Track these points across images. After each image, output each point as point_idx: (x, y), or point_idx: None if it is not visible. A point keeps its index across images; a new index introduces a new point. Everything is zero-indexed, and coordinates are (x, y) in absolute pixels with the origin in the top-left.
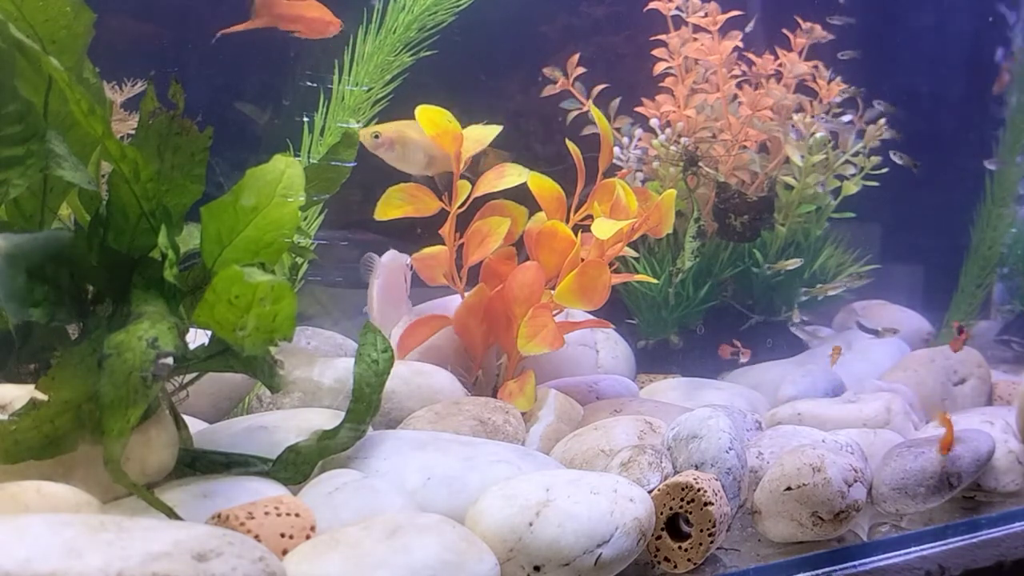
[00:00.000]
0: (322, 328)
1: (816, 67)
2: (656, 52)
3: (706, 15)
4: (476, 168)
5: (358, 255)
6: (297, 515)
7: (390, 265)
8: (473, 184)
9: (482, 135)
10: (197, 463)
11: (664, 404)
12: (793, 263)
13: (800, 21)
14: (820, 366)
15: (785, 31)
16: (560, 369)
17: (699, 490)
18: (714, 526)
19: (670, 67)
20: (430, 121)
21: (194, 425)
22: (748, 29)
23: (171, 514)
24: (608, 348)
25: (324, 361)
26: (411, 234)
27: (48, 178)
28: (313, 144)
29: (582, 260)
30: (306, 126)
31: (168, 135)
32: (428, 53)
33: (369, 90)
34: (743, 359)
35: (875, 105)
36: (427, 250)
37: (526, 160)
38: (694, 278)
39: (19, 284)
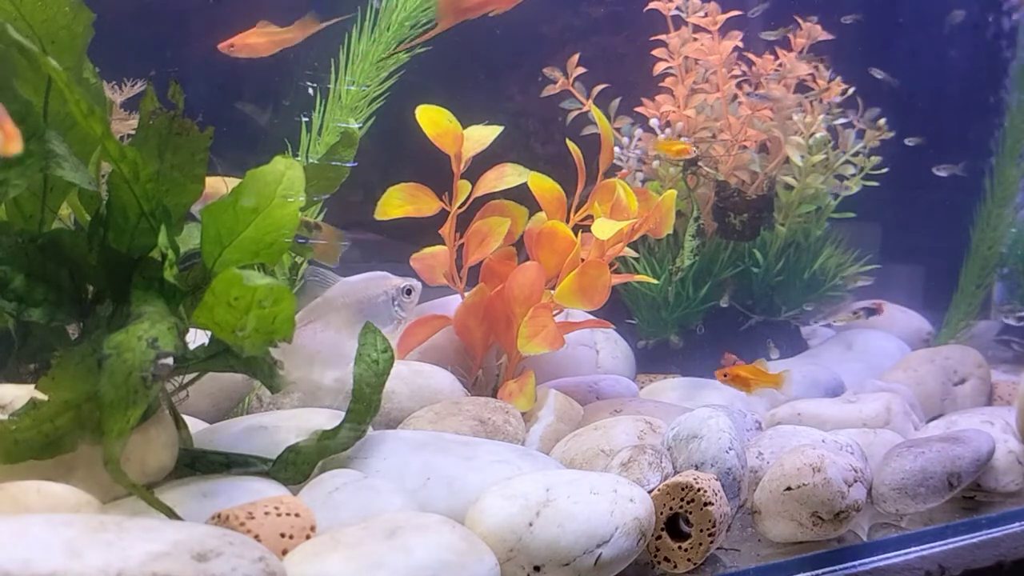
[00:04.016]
0: None
1: (816, 67)
2: (656, 52)
3: (706, 15)
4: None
5: (358, 255)
6: (297, 515)
7: (355, 287)
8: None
9: (482, 135)
10: (197, 463)
11: (664, 404)
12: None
13: (800, 21)
14: (820, 366)
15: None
16: (560, 369)
17: (699, 490)
18: (714, 526)
19: (670, 67)
20: (431, 121)
21: (194, 425)
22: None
23: (171, 514)
24: (608, 348)
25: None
26: (410, 234)
27: (48, 178)
28: (311, 143)
29: (582, 260)
30: (304, 125)
31: (168, 135)
32: (423, 50)
33: (367, 88)
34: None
35: (874, 74)
36: (427, 250)
37: (526, 160)
38: (694, 278)
39: None
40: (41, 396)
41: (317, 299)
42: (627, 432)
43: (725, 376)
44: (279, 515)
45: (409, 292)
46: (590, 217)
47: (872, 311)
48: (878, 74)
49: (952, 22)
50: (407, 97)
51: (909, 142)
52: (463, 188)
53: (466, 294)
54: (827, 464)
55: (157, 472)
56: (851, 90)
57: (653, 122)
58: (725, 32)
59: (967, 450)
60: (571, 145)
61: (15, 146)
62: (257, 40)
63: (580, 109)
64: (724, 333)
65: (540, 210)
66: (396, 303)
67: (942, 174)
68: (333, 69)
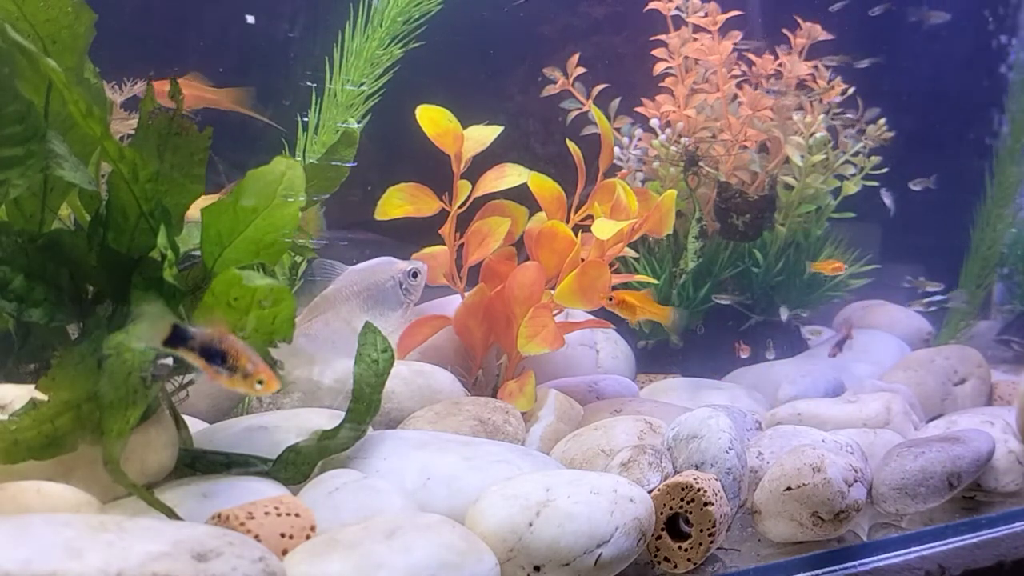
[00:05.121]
0: None
1: (816, 67)
2: (656, 52)
3: (706, 15)
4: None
5: (358, 255)
6: (297, 515)
7: (362, 274)
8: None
9: (482, 135)
10: (197, 463)
11: (664, 404)
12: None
13: (800, 21)
14: (820, 366)
15: (785, 31)
16: (560, 369)
17: (699, 490)
18: (714, 526)
19: (670, 67)
20: (431, 121)
21: (194, 425)
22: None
23: (171, 514)
24: (608, 348)
25: (324, 361)
26: (411, 234)
27: (48, 178)
28: (308, 142)
29: (582, 260)
30: (300, 125)
31: (167, 135)
32: (417, 45)
33: (363, 87)
34: (743, 355)
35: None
36: (427, 250)
37: (526, 160)
38: (694, 278)
39: None
40: (41, 396)
41: (326, 290)
42: (627, 432)
43: (611, 300)
44: (279, 515)
45: (415, 275)
46: (590, 217)
47: (843, 340)
48: (864, 63)
49: (928, 21)
50: (407, 97)
51: (866, 138)
52: (463, 188)
53: (466, 294)
54: (827, 464)
55: (157, 472)
56: (851, 90)
57: (653, 122)
58: (725, 32)
59: (967, 450)
60: (571, 145)
61: (273, 385)
62: None
63: (580, 109)
64: (724, 333)
65: (540, 210)
66: (403, 287)
67: (916, 188)
68: (328, 67)
